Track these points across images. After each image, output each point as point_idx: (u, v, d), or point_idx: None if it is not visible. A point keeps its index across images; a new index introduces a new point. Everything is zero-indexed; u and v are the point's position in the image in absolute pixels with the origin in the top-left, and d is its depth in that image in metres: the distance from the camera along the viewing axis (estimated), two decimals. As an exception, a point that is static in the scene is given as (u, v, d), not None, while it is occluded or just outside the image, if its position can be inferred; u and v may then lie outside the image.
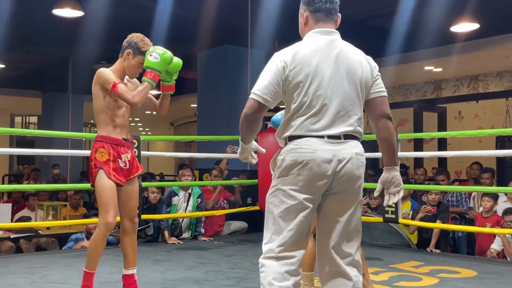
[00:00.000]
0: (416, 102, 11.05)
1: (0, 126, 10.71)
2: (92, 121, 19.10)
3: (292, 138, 2.25)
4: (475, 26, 7.65)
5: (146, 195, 5.72)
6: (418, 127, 10.17)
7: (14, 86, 13.21)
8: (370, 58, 2.38)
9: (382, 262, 4.66)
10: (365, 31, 8.20)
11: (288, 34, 7.53)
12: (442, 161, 9.55)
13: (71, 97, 12.08)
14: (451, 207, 6.35)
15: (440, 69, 10.83)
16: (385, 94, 2.37)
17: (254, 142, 2.51)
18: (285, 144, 2.28)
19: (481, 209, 5.72)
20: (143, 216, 5.49)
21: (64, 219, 7.06)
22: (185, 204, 5.96)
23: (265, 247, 2.26)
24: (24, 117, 17.61)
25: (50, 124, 12.51)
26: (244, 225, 6.65)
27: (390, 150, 2.36)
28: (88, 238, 5.54)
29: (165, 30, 7.43)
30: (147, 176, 6.49)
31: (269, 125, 10.76)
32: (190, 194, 6.00)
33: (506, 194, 5.72)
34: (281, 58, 2.25)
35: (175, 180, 8.35)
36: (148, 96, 3.23)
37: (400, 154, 4.80)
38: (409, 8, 6.89)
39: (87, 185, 7.99)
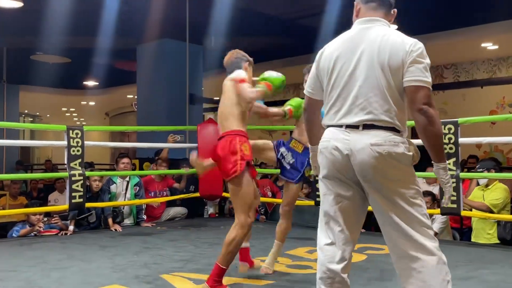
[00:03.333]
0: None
1: None
2: (26, 111, 18.21)
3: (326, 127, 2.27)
4: (394, 27, 7.96)
5: (88, 184, 5.58)
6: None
7: None
8: (410, 43, 2.09)
9: (314, 242, 4.72)
10: (296, 30, 8.32)
11: (225, 30, 7.54)
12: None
13: (6, 87, 11.52)
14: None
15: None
16: (417, 83, 2.06)
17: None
18: None
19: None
20: (87, 204, 5.37)
21: (3, 208, 6.75)
22: (124, 192, 5.86)
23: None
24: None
25: (-17, 114, 11.82)
26: (184, 210, 6.60)
27: (426, 145, 2.14)
28: (29, 227, 5.29)
29: (105, 23, 7.22)
30: (87, 165, 6.30)
31: (208, 116, 10.69)
32: (128, 182, 5.90)
33: (424, 178, 5.98)
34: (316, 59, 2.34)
35: (112, 169, 8.08)
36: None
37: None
38: (336, 9, 7.04)
39: (25, 175, 7.70)
